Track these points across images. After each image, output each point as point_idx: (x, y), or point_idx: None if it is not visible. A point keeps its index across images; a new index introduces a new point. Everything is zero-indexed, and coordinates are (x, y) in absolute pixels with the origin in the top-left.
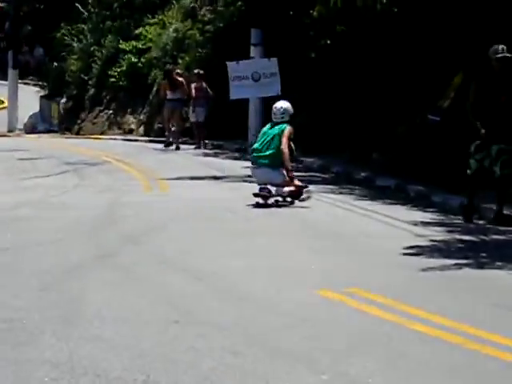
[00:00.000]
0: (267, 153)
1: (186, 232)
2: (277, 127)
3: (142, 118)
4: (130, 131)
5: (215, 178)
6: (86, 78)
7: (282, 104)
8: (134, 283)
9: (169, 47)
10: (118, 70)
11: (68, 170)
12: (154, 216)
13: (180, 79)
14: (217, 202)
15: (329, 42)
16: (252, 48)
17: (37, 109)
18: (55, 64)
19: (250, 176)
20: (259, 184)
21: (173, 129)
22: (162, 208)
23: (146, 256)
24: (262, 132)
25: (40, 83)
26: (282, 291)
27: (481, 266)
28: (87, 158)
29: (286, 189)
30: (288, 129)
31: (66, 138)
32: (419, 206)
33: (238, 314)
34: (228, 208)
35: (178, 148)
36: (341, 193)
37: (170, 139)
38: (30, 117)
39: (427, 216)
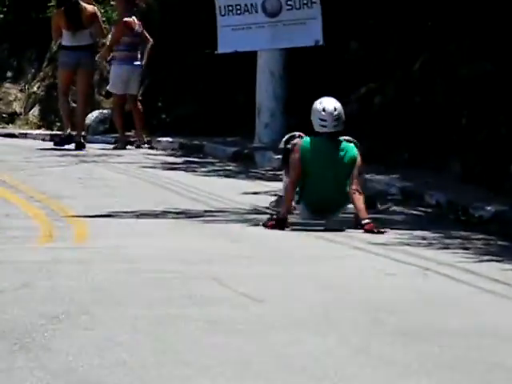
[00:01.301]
0: (336, 196)
1: (125, 327)
2: (340, 149)
3: (36, 90)
4: (12, 117)
5: (187, 214)
6: None
7: (334, 104)
8: None
9: None
10: None
11: None
12: (61, 291)
13: (90, 8)
14: (191, 265)
15: None
16: None
17: None
18: None
19: (257, 211)
20: None
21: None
22: (76, 275)
23: (50, 378)
24: (309, 155)
25: None
26: None
27: None
28: None
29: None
30: (359, 160)
31: None
32: None
33: None
34: (215, 277)
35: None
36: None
37: (69, 131)
38: None
39: None
